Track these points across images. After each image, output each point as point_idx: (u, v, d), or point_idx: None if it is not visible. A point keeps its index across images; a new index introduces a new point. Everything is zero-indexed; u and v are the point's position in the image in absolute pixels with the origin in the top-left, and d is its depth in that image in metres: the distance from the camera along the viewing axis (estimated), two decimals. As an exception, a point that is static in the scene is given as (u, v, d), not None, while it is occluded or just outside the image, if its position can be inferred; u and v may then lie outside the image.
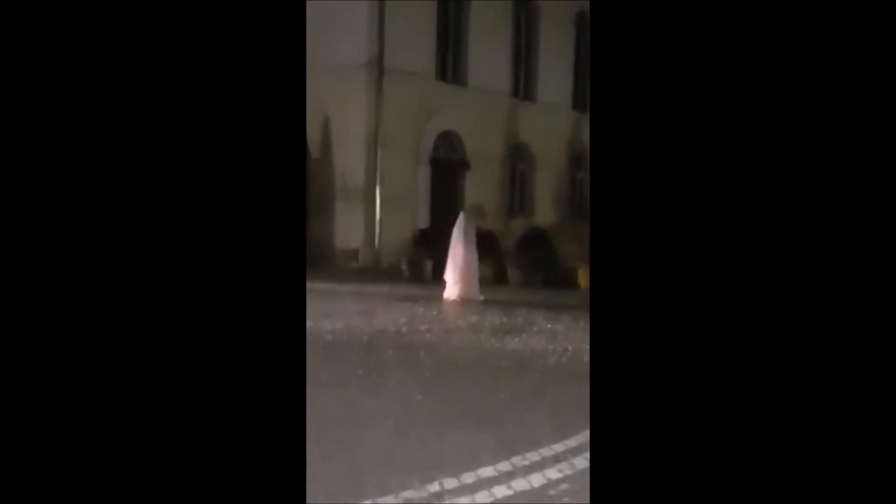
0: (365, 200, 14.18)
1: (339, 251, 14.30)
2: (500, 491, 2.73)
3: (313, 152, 14.76)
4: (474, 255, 9.70)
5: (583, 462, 3.01)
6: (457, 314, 8.13)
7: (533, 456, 3.09)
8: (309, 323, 6.61)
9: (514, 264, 12.86)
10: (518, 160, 16.90)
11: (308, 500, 1.94)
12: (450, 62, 15.79)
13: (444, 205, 14.58)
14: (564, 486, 2.79)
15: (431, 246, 12.34)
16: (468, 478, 2.80)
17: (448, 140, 15.69)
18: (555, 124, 17.14)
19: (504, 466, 2.95)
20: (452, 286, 9.59)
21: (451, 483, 2.75)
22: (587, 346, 5.36)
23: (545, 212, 16.70)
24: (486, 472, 2.88)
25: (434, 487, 2.70)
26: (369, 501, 2.55)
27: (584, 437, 3.28)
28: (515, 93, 16.94)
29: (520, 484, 2.80)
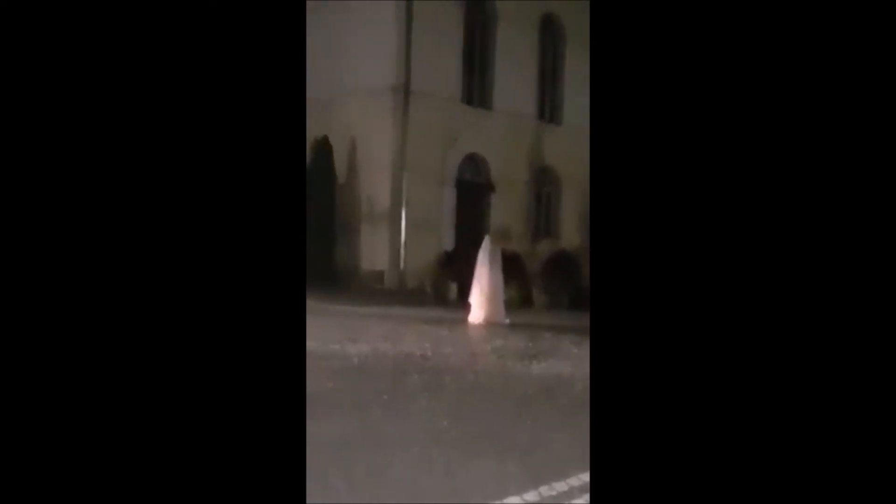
0: (390, 223, 14.25)
1: (364, 273, 14.34)
2: (527, 521, 2.68)
3: (340, 176, 14.88)
4: (500, 278, 9.65)
5: (611, 492, 2.95)
6: (482, 338, 8.09)
7: (560, 486, 3.03)
8: (335, 346, 6.62)
9: (540, 287, 12.80)
10: (544, 183, 16.89)
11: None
12: (475, 86, 15.89)
13: (470, 227, 14.60)
14: (593, 517, 2.74)
15: (457, 269, 12.34)
16: (494, 508, 2.76)
17: (474, 163, 15.74)
18: (580, 147, 17.08)
19: (531, 497, 2.90)
20: (478, 309, 9.55)
21: (477, 513, 2.71)
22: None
23: (571, 234, 16.64)
24: (513, 500, 2.83)
25: (460, 517, 2.66)
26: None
27: (612, 466, 3.21)
28: (541, 115, 17.00)
29: (547, 514, 2.75)
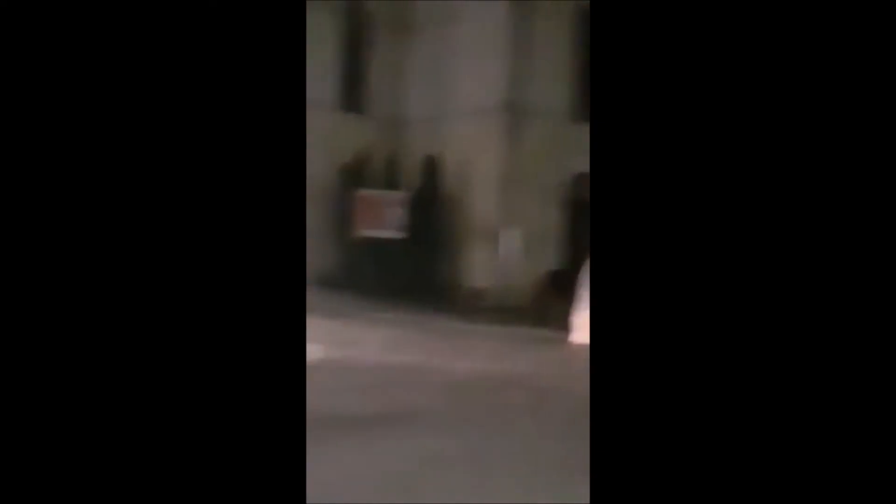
0: (497, 240, 14.31)
1: (467, 290, 14.46)
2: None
3: (448, 194, 15.10)
4: (605, 300, 9.46)
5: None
6: (584, 358, 7.95)
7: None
8: (437, 361, 6.71)
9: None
10: (654, 202, 16.47)
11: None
12: (586, 103, 15.75)
13: (578, 246, 14.43)
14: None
15: (561, 287, 12.21)
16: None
17: (583, 181, 15.58)
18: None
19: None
20: (580, 329, 9.41)
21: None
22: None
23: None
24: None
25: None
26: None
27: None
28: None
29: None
